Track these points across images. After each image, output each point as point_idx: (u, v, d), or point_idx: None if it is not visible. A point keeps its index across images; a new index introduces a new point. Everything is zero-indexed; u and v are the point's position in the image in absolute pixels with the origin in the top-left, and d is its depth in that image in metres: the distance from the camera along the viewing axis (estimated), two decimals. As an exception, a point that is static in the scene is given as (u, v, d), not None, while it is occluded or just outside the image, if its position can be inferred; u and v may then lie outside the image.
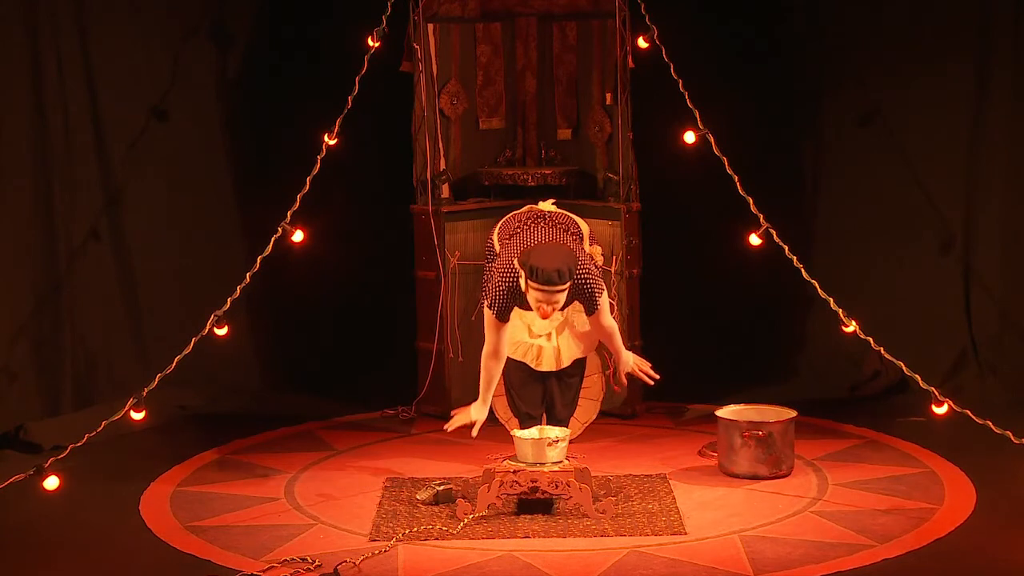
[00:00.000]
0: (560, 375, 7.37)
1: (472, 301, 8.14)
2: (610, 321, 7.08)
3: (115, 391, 7.96)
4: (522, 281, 6.81)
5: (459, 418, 7.04)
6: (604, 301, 6.99)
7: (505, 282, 6.89)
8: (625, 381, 7.30)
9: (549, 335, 7.25)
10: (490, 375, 7.03)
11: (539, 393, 7.38)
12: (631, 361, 7.15)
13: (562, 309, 6.93)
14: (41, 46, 8.15)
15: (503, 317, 6.93)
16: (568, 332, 7.31)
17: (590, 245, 7.21)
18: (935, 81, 8.73)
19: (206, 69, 8.88)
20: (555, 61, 8.62)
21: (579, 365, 7.43)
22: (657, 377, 7.17)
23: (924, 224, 8.84)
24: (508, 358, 7.17)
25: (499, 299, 6.89)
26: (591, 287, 6.91)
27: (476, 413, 7.03)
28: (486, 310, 6.97)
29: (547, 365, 7.34)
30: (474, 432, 7.06)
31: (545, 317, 6.83)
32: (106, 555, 6.30)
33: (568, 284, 6.75)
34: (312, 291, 9.16)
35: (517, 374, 7.36)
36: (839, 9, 8.97)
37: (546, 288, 6.71)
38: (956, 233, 8.79)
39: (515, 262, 6.86)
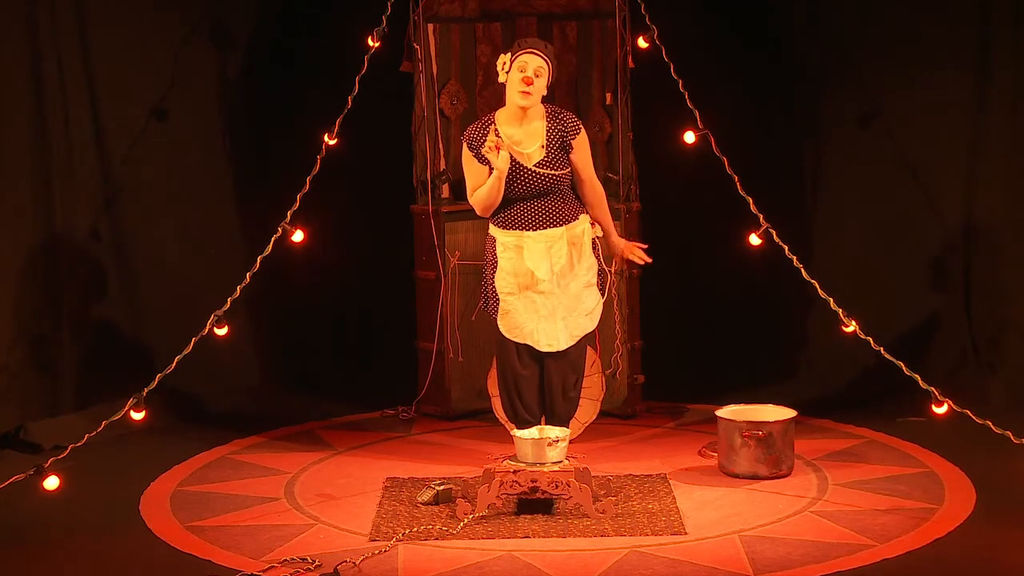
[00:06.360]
0: (562, 369, 6.99)
1: (472, 301, 8.13)
2: (592, 174, 6.98)
3: (115, 391, 7.97)
4: (503, 74, 6.81)
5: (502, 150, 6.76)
6: (584, 139, 6.93)
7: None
8: (624, 264, 6.99)
9: (552, 313, 6.91)
10: (492, 186, 6.84)
11: (536, 386, 6.99)
12: (621, 245, 7.09)
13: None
14: (41, 46, 8.15)
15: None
16: (569, 310, 6.94)
17: (591, 225, 7.07)
18: (935, 81, 8.72)
19: (206, 69, 8.87)
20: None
21: (579, 358, 7.07)
22: (649, 260, 7.06)
23: (924, 224, 8.84)
24: (509, 341, 6.93)
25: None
26: (572, 118, 6.92)
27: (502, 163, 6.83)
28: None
29: (548, 344, 6.93)
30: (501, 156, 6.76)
31: (528, 84, 6.74)
32: (106, 555, 6.30)
33: (550, 60, 6.78)
34: (312, 291, 9.16)
35: (513, 356, 6.95)
36: (839, 9, 8.97)
37: (530, 50, 6.76)
38: (956, 233, 8.78)
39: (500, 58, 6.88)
